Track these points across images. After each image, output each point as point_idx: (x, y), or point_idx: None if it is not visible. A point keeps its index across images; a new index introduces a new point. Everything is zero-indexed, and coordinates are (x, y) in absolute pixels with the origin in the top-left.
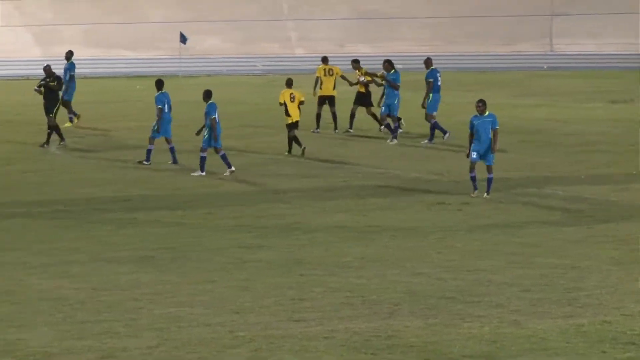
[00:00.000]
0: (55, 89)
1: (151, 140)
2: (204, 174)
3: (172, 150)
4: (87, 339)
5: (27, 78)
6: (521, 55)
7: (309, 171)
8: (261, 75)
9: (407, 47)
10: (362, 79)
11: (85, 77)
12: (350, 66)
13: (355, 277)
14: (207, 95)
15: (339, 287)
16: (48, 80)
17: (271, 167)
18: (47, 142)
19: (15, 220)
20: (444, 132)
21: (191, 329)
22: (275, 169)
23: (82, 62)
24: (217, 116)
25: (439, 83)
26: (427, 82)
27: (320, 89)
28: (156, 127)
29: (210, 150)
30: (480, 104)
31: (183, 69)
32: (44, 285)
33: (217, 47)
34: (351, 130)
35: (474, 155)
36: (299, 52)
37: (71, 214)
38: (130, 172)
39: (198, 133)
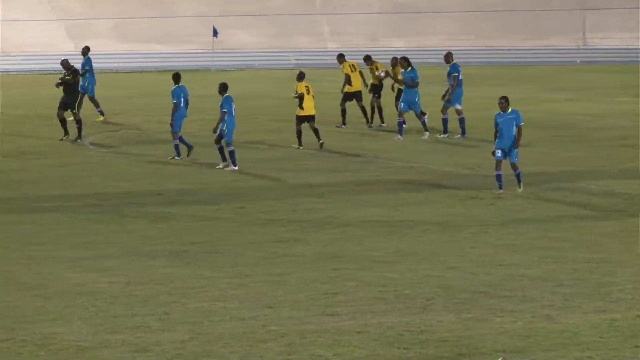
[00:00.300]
0: (71, 82)
1: (175, 135)
2: (236, 167)
3: (176, 147)
4: (120, 333)
5: (60, 72)
6: (553, 49)
7: (342, 165)
8: (293, 70)
9: (439, 41)
10: (382, 74)
11: (117, 72)
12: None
13: (388, 271)
14: (223, 88)
15: (371, 282)
16: (65, 74)
17: (303, 161)
18: (80, 136)
19: (49, 214)
20: (445, 132)
21: (224, 323)
22: (307, 163)
23: (114, 56)
24: (233, 110)
25: (461, 77)
26: (452, 77)
27: (350, 84)
28: (172, 124)
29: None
30: (502, 101)
31: (215, 63)
32: (78, 279)
33: (249, 41)
34: (384, 125)
35: (499, 153)
36: (331, 46)
37: (105, 208)
38: (163, 166)
39: (215, 131)
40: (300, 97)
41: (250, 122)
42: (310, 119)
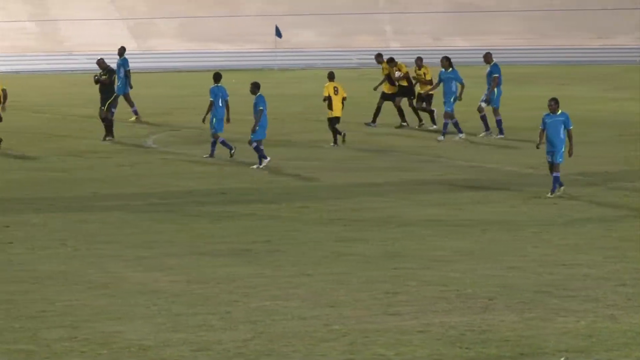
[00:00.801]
0: (105, 82)
1: (215, 135)
2: (268, 158)
3: (213, 144)
4: (182, 331)
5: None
6: (615, 48)
7: (403, 165)
8: (356, 69)
9: (502, 40)
10: (398, 74)
11: (179, 71)
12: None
13: (450, 270)
14: (256, 87)
15: (433, 281)
16: (101, 73)
17: (365, 160)
18: (111, 134)
19: (112, 213)
20: (501, 132)
21: (286, 322)
22: (369, 162)
23: (177, 55)
24: (265, 109)
25: (501, 77)
26: (493, 77)
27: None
28: (212, 119)
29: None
30: (552, 103)
31: (278, 62)
32: (140, 278)
33: (312, 40)
34: (405, 124)
35: (549, 157)
36: (394, 45)
37: (168, 206)
38: (225, 165)
39: (254, 130)
40: (329, 99)
41: (313, 121)
42: (336, 120)
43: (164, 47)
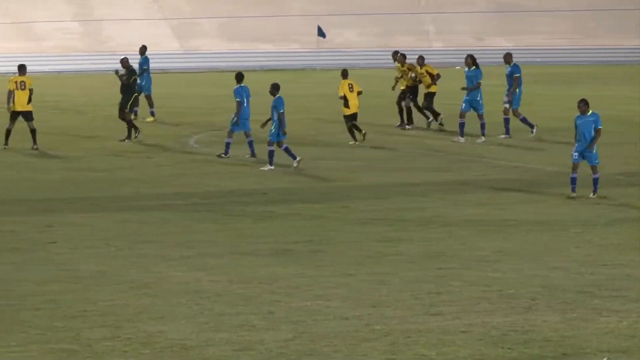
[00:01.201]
0: (125, 82)
1: (230, 133)
2: (272, 167)
3: (250, 143)
4: (224, 331)
5: (166, 71)
6: None
7: (445, 165)
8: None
9: (545, 40)
10: (412, 75)
11: (222, 71)
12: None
13: (492, 271)
14: (275, 88)
15: (476, 281)
16: (118, 71)
17: (406, 160)
18: (129, 136)
19: (153, 213)
20: (532, 126)
21: (328, 322)
22: (410, 162)
23: (219, 55)
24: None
25: (521, 78)
26: (514, 78)
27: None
28: (235, 119)
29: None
30: (582, 104)
31: (320, 62)
32: (182, 278)
33: (354, 40)
34: (409, 127)
35: (576, 155)
36: (437, 45)
37: (209, 206)
38: (265, 163)
39: (263, 126)
40: (345, 97)
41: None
42: (354, 117)
43: (207, 47)
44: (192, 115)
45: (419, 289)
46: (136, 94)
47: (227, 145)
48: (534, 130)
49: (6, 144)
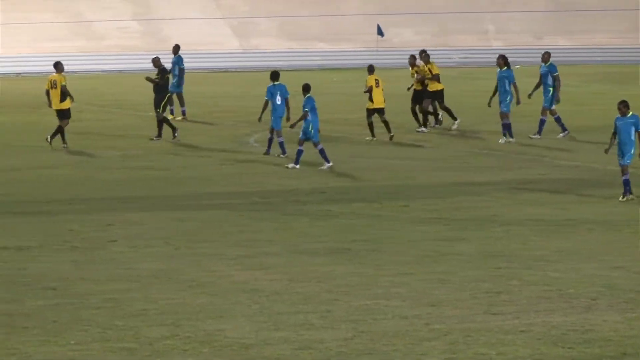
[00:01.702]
0: (158, 82)
1: (276, 132)
2: (297, 166)
3: (281, 144)
4: (283, 330)
5: (226, 70)
6: None
7: (505, 164)
8: (456, 68)
9: (606, 39)
10: (418, 76)
11: (280, 70)
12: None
13: (551, 270)
14: (306, 89)
15: (535, 281)
16: (156, 74)
17: (465, 159)
18: (159, 134)
19: (212, 212)
20: (564, 130)
21: (386, 321)
22: (469, 161)
23: (278, 54)
24: (315, 110)
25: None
26: (554, 76)
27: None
28: (260, 119)
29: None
30: (621, 106)
31: (379, 61)
32: (241, 277)
33: (412, 39)
34: (425, 130)
35: (620, 160)
36: (496, 44)
37: (268, 205)
38: (324, 163)
39: (292, 126)
40: (370, 91)
41: (413, 121)
42: (380, 111)
43: (265, 46)
44: (251, 114)
45: (478, 289)
46: (169, 94)
47: (281, 145)
48: (565, 134)
49: (63, 141)
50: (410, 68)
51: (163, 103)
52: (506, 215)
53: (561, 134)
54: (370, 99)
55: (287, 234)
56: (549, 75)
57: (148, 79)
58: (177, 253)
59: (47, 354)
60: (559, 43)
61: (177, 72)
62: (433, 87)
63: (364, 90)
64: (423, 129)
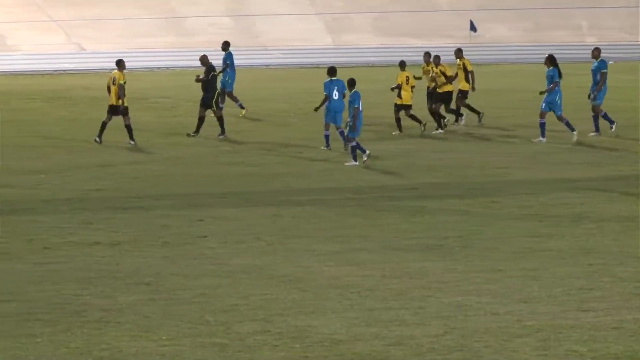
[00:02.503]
0: (205, 80)
1: (336, 127)
2: (357, 163)
3: (341, 134)
4: (374, 326)
5: (317, 66)
6: None
7: (598, 159)
8: None
9: None
10: (432, 74)
11: (372, 66)
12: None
13: None
14: (351, 83)
15: (628, 277)
16: (202, 77)
17: (557, 155)
18: (223, 132)
19: (304, 207)
20: (612, 122)
21: (478, 318)
22: (561, 157)
23: (371, 50)
24: (360, 106)
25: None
26: (602, 74)
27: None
28: (317, 110)
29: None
30: None
31: (473, 57)
32: (333, 273)
33: (506, 35)
34: (442, 131)
35: None
36: (590, 40)
37: (359, 201)
38: (415, 160)
39: (346, 125)
40: (399, 87)
41: (506, 117)
42: (406, 107)
43: (359, 42)
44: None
45: (570, 285)
46: (218, 91)
47: (326, 137)
48: (614, 127)
49: (99, 137)
50: (426, 65)
51: (215, 100)
52: (599, 212)
53: (612, 128)
54: (399, 96)
55: (380, 230)
56: (599, 72)
57: (197, 79)
58: (268, 249)
59: (138, 349)
60: None
61: (229, 69)
62: (443, 88)
63: (392, 87)
64: (440, 130)
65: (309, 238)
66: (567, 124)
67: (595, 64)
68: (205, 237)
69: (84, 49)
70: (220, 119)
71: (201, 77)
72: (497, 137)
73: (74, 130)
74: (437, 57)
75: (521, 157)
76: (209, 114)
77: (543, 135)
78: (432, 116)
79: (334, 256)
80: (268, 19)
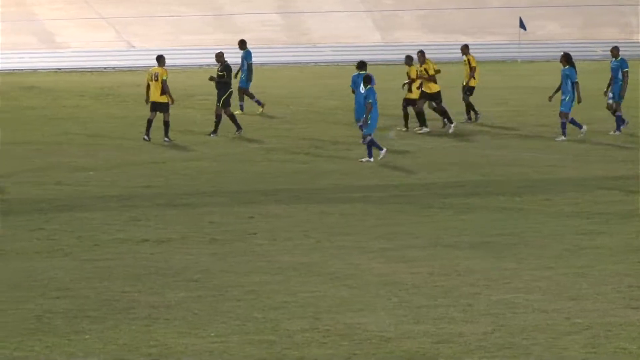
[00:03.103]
0: (220, 79)
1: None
2: (372, 160)
3: (361, 128)
4: (423, 323)
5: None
6: None
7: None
8: (600, 61)
9: None
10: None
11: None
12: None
13: None
14: (367, 80)
15: None
16: (218, 69)
17: (605, 152)
18: (215, 131)
19: (353, 204)
20: (623, 121)
21: (526, 315)
22: (609, 154)
23: (419, 47)
24: (375, 101)
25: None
26: (624, 72)
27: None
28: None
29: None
30: None
31: (522, 54)
32: (381, 270)
33: (556, 32)
34: (427, 129)
35: None
36: (637, 38)
37: (409, 198)
38: (466, 157)
39: (364, 123)
40: (410, 83)
41: (552, 115)
42: (413, 103)
43: (408, 39)
44: (389, 107)
45: (619, 282)
46: (231, 90)
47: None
48: (625, 124)
49: (147, 134)
50: (420, 65)
51: (223, 98)
52: None
53: (614, 132)
54: (410, 90)
55: (429, 227)
56: (620, 70)
57: (212, 78)
58: (317, 246)
59: (187, 345)
60: None
61: (245, 67)
62: (429, 88)
63: (402, 85)
64: (425, 129)
65: (357, 235)
66: (563, 125)
67: (615, 62)
68: (255, 234)
69: (132, 46)
70: (232, 117)
71: (218, 75)
72: (543, 134)
73: (123, 127)
74: (422, 55)
75: (567, 154)
76: (234, 110)
77: (619, 128)
78: (417, 116)
79: (383, 253)
80: (317, 16)
